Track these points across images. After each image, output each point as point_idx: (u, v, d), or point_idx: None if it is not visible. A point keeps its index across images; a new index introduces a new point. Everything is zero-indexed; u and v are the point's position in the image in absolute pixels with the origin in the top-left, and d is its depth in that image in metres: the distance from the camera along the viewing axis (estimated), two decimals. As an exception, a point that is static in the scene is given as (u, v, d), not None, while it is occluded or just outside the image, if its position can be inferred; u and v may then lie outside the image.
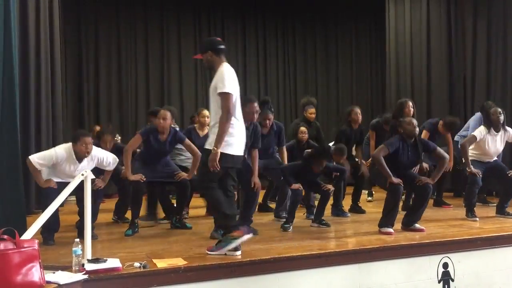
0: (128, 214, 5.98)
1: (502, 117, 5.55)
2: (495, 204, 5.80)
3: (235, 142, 3.85)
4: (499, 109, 5.60)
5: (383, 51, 10.15)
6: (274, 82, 10.47)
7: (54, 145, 5.30)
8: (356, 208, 6.28)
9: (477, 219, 5.39)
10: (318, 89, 10.63)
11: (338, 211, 5.89)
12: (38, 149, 6.44)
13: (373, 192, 7.47)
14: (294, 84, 10.65)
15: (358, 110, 6.24)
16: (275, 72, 10.51)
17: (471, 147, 5.64)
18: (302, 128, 6.20)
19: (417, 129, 4.80)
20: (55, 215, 4.10)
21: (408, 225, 4.78)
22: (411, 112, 5.67)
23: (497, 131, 5.58)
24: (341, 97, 10.84)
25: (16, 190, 4.27)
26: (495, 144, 5.60)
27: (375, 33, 10.93)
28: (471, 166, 5.48)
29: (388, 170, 4.64)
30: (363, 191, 6.68)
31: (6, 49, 4.24)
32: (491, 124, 5.60)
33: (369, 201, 7.33)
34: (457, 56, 8.26)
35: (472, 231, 4.75)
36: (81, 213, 4.30)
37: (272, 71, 10.51)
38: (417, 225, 4.75)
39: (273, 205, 6.36)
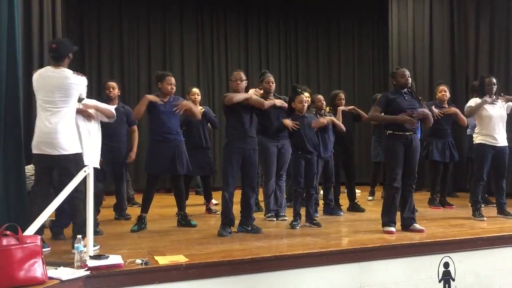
0: (129, 211, 6.03)
1: (495, 88, 5.62)
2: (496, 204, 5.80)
3: (36, 141, 3.93)
4: (494, 80, 5.67)
5: (385, 48, 10.16)
6: (276, 79, 10.41)
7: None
8: (355, 207, 6.27)
9: (485, 218, 5.38)
10: (320, 87, 10.61)
11: (329, 209, 5.87)
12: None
13: (375, 192, 7.48)
14: (296, 81, 10.64)
15: (342, 96, 6.33)
16: (277, 69, 10.49)
17: (477, 129, 5.66)
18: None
19: (410, 80, 4.82)
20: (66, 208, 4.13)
21: (407, 226, 4.76)
22: None
23: (490, 95, 5.62)
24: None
25: (19, 186, 4.29)
26: (494, 108, 5.57)
27: (377, 31, 10.91)
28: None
29: (389, 116, 4.70)
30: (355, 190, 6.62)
31: (9, 47, 4.26)
32: (484, 93, 5.65)
33: (370, 200, 7.34)
34: (460, 54, 8.25)
35: (473, 231, 4.75)
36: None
37: (274, 68, 10.49)
38: (417, 225, 4.74)
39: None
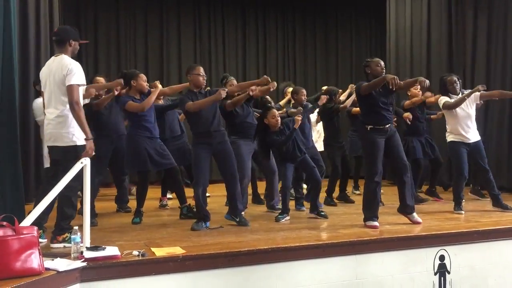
0: (130, 203, 6.03)
1: (457, 85, 5.61)
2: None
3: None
4: (455, 78, 5.67)
5: (383, 43, 10.15)
6: (273, 73, 10.45)
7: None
8: (345, 198, 6.40)
9: (463, 212, 5.44)
10: (317, 81, 10.62)
11: (327, 200, 5.89)
12: (36, 141, 6.46)
13: (359, 186, 7.44)
14: (293, 75, 10.63)
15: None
16: (274, 63, 10.49)
17: (448, 129, 5.67)
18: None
19: (384, 70, 4.76)
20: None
21: (407, 213, 4.77)
22: None
23: (457, 94, 5.62)
24: (340, 87, 10.71)
25: (16, 178, 4.29)
26: (460, 107, 5.54)
27: (375, 24, 10.90)
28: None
29: (377, 80, 4.55)
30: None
31: (6, 45, 4.26)
32: (449, 93, 5.66)
33: (357, 194, 7.35)
34: (457, 48, 8.25)
35: (468, 224, 4.77)
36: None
37: (271, 61, 10.49)
38: (415, 216, 4.76)
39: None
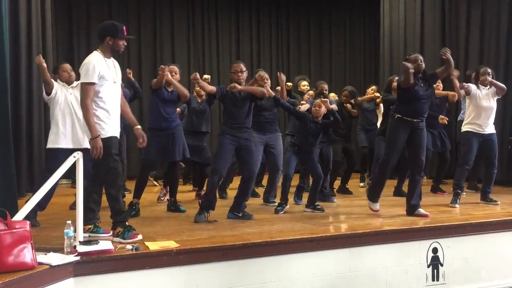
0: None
1: (489, 78, 5.65)
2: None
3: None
4: (489, 70, 5.72)
5: (377, 38, 10.17)
6: (267, 69, 10.43)
7: (45, 130, 5.24)
8: (344, 190, 6.60)
9: (457, 206, 5.45)
10: (312, 75, 10.59)
11: (323, 196, 5.91)
12: (29, 136, 6.42)
13: (365, 177, 7.51)
14: (287, 70, 10.62)
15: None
16: (268, 59, 10.48)
17: (466, 119, 5.75)
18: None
19: (423, 65, 4.83)
20: (48, 193, 4.06)
21: (412, 212, 4.83)
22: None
23: (485, 86, 5.67)
24: (334, 82, 10.83)
25: (8, 172, 4.26)
26: (486, 98, 5.64)
27: (369, 20, 10.93)
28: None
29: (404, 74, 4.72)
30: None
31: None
32: (479, 83, 5.71)
33: (362, 187, 7.38)
34: (451, 44, 8.26)
35: (461, 217, 4.80)
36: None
37: (265, 57, 10.48)
38: (421, 210, 4.81)
39: (259, 190, 6.42)
